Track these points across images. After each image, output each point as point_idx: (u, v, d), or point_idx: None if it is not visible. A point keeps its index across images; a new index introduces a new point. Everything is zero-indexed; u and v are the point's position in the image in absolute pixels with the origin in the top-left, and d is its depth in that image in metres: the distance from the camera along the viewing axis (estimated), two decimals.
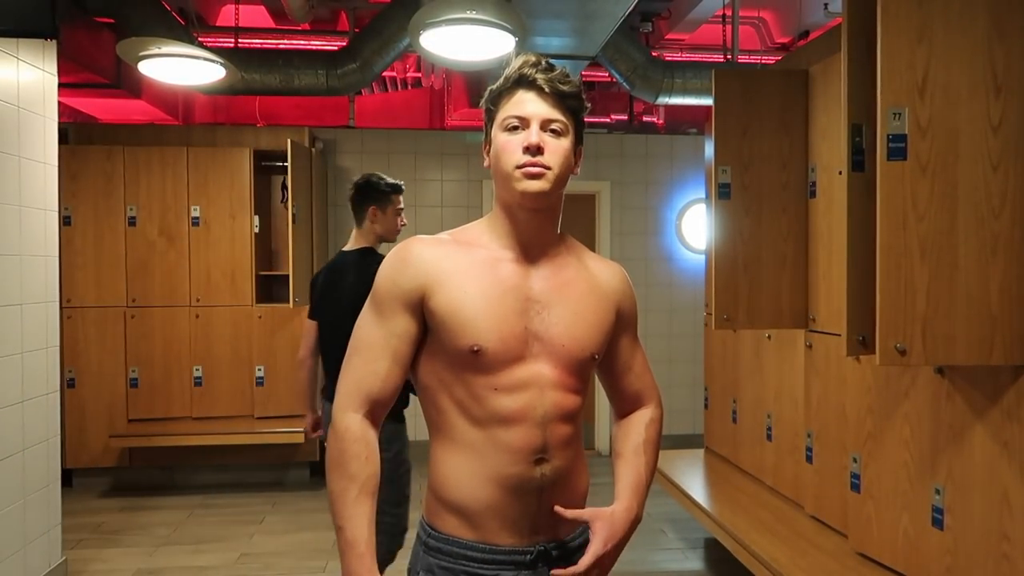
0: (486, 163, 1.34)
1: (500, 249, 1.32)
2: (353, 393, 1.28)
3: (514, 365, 1.26)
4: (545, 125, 1.27)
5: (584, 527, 1.37)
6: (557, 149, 1.27)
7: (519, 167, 1.25)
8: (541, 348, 1.28)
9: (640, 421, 1.47)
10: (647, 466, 1.42)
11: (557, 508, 1.28)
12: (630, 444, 1.44)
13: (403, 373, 1.30)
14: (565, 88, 1.28)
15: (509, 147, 1.27)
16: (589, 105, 1.35)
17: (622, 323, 1.43)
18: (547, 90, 1.27)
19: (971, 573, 2.19)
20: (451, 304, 1.25)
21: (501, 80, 1.31)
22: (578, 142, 1.33)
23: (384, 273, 1.31)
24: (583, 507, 1.37)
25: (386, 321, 1.29)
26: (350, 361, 1.30)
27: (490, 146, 1.33)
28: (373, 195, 2.95)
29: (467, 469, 1.26)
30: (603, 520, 1.30)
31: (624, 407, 1.50)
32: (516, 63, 1.30)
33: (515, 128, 1.27)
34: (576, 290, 1.34)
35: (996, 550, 2.09)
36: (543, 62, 1.29)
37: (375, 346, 1.29)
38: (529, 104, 1.27)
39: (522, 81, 1.28)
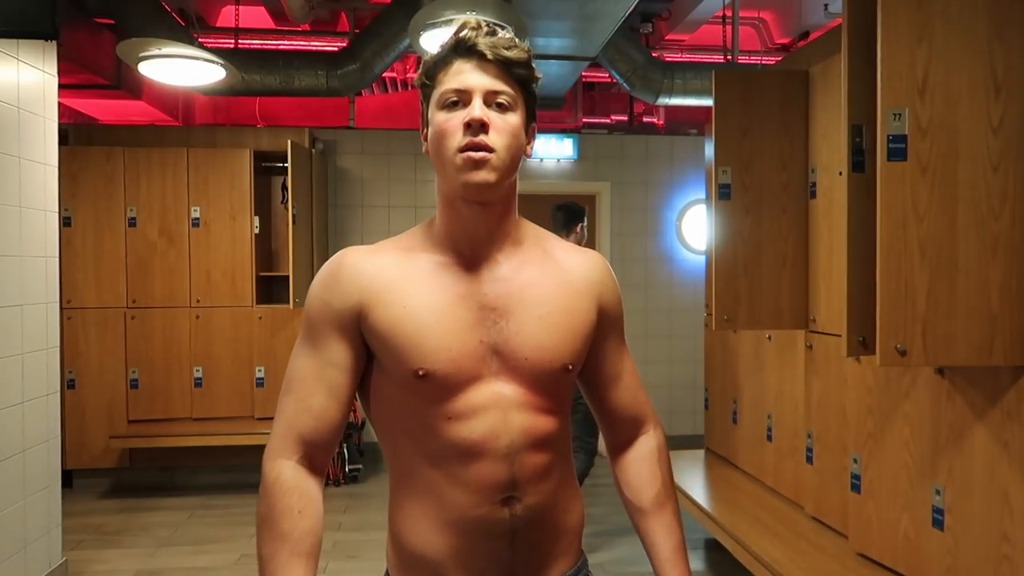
0: (424, 148, 1.13)
1: (445, 252, 1.12)
2: (284, 436, 1.10)
3: (469, 387, 1.07)
4: (489, 99, 1.06)
5: (579, 565, 1.22)
6: (504, 127, 1.06)
7: (460, 150, 1.04)
8: (501, 364, 1.08)
9: (648, 457, 1.26)
10: (676, 515, 1.23)
11: None
12: (649, 496, 1.22)
13: (342, 408, 1.12)
14: (511, 54, 1.07)
15: (448, 127, 1.05)
16: (541, 76, 1.13)
17: (606, 323, 1.20)
18: (490, 57, 1.06)
19: (971, 574, 2.19)
20: (390, 322, 1.07)
21: (436, 49, 1.11)
22: (530, 118, 1.12)
23: (313, 293, 1.12)
24: (574, 544, 1.21)
25: (319, 349, 1.11)
26: (282, 400, 1.12)
27: (427, 129, 1.11)
28: (581, 214, 4.05)
29: (423, 514, 1.10)
30: None
31: (618, 432, 1.28)
32: (453, 31, 1.09)
33: (454, 104, 1.06)
34: (540, 290, 1.12)
35: (996, 551, 2.09)
36: (485, 25, 1.08)
37: (307, 379, 1.11)
38: (469, 75, 1.06)
39: (460, 48, 1.07)
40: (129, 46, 3.70)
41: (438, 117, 1.08)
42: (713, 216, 3.25)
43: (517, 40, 1.10)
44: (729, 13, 5.25)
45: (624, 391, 1.26)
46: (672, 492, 1.26)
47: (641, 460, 1.26)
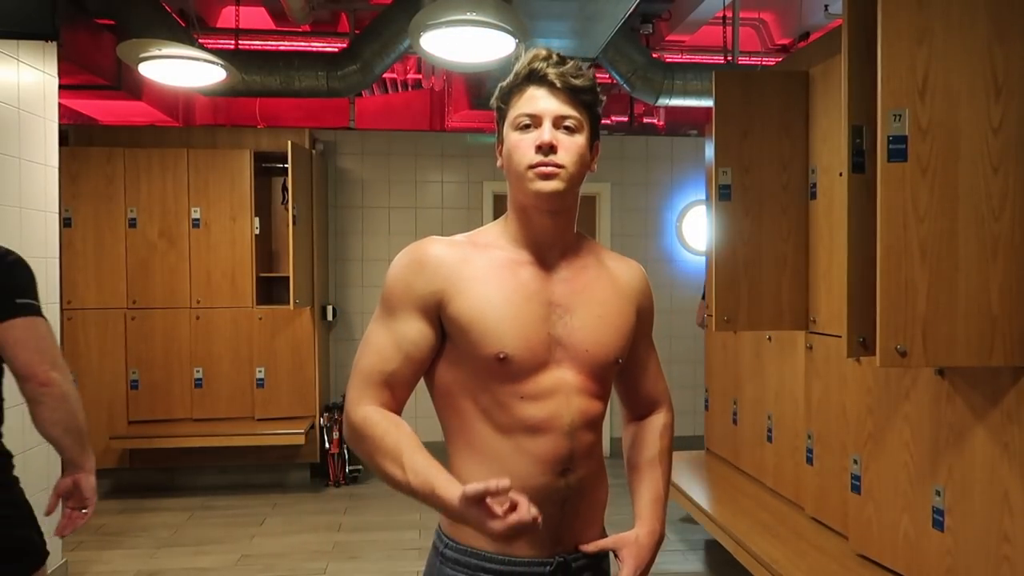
0: (499, 163, 1.29)
1: (518, 251, 1.27)
2: (363, 389, 1.23)
3: (539, 372, 1.22)
4: (558, 122, 1.21)
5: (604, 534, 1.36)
6: (571, 147, 1.21)
7: (531, 167, 1.20)
8: (564, 354, 1.24)
9: (654, 428, 1.43)
10: (664, 477, 1.39)
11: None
12: (646, 455, 1.40)
13: (415, 377, 1.25)
14: (578, 82, 1.22)
15: (521, 146, 1.21)
16: (604, 98, 1.28)
17: (640, 323, 1.37)
18: (559, 85, 1.21)
19: (971, 575, 2.19)
20: (473, 310, 1.20)
21: (511, 76, 1.26)
22: (594, 137, 1.27)
23: (396, 275, 1.24)
24: (601, 516, 1.35)
25: (397, 324, 1.23)
26: (359, 363, 1.25)
27: (503, 146, 1.27)
28: None
29: (489, 479, 1.21)
30: (629, 547, 1.29)
31: (636, 410, 1.47)
32: (526, 58, 1.24)
33: (527, 127, 1.22)
34: (598, 293, 1.30)
35: (996, 552, 2.09)
36: (554, 55, 1.23)
37: (385, 349, 1.23)
38: (541, 101, 1.21)
39: (533, 77, 1.22)
40: (129, 47, 3.70)
41: (512, 137, 1.23)
42: (713, 217, 3.25)
43: (583, 68, 1.24)
44: (729, 14, 5.25)
45: (649, 380, 1.45)
46: (667, 461, 1.41)
47: (647, 429, 1.44)
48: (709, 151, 4.05)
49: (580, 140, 1.23)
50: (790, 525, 3.13)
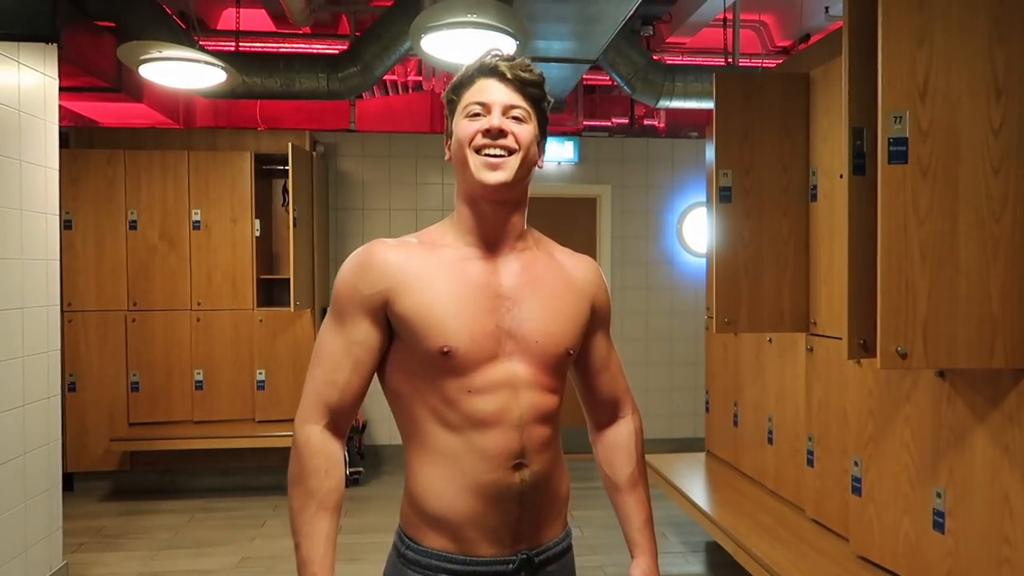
0: (447, 157, 1.31)
1: (466, 247, 1.28)
2: (313, 404, 1.25)
3: (487, 365, 1.21)
4: (507, 111, 1.24)
5: (567, 532, 1.36)
6: (520, 132, 1.24)
7: (479, 152, 1.22)
8: (514, 346, 1.24)
9: (626, 439, 1.44)
10: (647, 492, 1.41)
11: None
12: (624, 473, 1.41)
13: (364, 382, 1.26)
14: (526, 76, 1.26)
15: (470, 132, 1.23)
16: (551, 100, 1.32)
17: (597, 318, 1.39)
18: (509, 76, 1.25)
19: None
20: (418, 306, 1.21)
21: (462, 70, 1.29)
22: (541, 136, 1.29)
23: (344, 278, 1.27)
24: (563, 513, 1.35)
25: (346, 328, 1.25)
26: (311, 371, 1.27)
27: (451, 139, 1.29)
28: None
29: (445, 479, 1.22)
30: None
31: (601, 415, 1.46)
32: (479, 56, 1.29)
33: (476, 115, 1.24)
34: (547, 284, 1.30)
35: (997, 553, 2.09)
36: (504, 54, 1.28)
37: (335, 355, 1.25)
38: (491, 90, 1.25)
39: (483, 69, 1.26)
40: (130, 48, 3.70)
41: (462, 124, 1.25)
42: (714, 219, 3.25)
43: (532, 66, 1.28)
44: (730, 16, 5.25)
45: (609, 380, 1.45)
46: (644, 472, 1.44)
47: (618, 442, 1.45)
48: (710, 153, 4.05)
49: (529, 128, 1.25)
50: (791, 527, 3.13)
